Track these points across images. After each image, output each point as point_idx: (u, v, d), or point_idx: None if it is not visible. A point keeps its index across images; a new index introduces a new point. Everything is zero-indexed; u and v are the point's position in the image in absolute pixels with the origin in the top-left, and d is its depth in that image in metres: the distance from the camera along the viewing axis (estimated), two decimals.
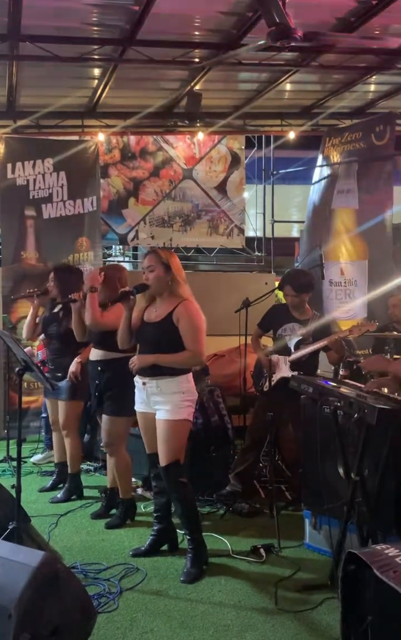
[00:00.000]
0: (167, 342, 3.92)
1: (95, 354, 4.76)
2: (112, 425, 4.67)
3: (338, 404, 3.64)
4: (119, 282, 4.70)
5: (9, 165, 7.41)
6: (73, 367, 5.19)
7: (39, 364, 5.15)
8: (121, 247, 9.69)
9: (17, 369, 3.85)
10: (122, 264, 9.92)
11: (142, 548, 4.22)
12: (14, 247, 7.46)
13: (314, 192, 7.88)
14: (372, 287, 6.92)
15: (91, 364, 4.84)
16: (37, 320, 5.52)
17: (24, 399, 6.65)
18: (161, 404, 3.94)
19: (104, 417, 4.71)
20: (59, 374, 5.25)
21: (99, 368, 4.70)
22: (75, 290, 5.07)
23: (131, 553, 4.20)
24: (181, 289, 3.98)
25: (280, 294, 5.71)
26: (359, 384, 4.08)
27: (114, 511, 4.86)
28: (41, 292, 5.52)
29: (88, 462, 6.12)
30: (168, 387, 3.92)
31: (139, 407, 4.12)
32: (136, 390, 4.10)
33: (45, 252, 7.52)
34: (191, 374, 4.03)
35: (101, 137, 7.80)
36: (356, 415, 3.44)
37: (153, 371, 3.93)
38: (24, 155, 7.45)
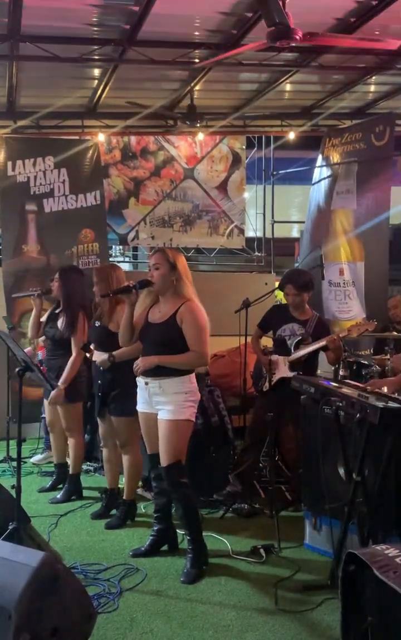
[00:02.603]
0: (171, 343, 3.92)
1: (98, 355, 4.77)
2: (121, 425, 4.67)
3: (340, 404, 3.64)
4: (113, 281, 4.72)
5: (10, 163, 7.37)
6: (54, 393, 5.12)
7: (38, 364, 5.16)
8: (121, 247, 9.68)
9: (17, 369, 3.85)
10: (122, 264, 9.96)
11: (142, 548, 4.22)
12: (15, 240, 7.39)
13: (315, 192, 7.88)
14: (369, 289, 6.93)
15: (94, 365, 4.84)
16: (43, 319, 5.49)
17: (28, 389, 6.58)
18: (163, 404, 3.94)
19: (112, 418, 4.70)
20: (54, 375, 5.23)
21: (102, 368, 4.71)
22: (80, 291, 5.19)
23: (131, 553, 4.20)
24: (185, 289, 3.98)
25: (280, 294, 5.72)
26: (360, 384, 4.08)
27: (114, 512, 4.85)
28: (44, 291, 5.50)
29: (88, 463, 6.11)
30: (171, 387, 3.91)
31: (141, 407, 4.12)
32: (139, 390, 4.10)
33: (48, 245, 7.45)
34: (193, 375, 4.03)
35: (101, 137, 7.80)
36: (358, 415, 3.43)
37: (156, 371, 3.93)
38: (24, 154, 7.42)
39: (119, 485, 4.98)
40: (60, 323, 5.24)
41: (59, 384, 5.11)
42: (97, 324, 4.81)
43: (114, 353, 4.57)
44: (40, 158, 7.43)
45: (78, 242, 7.55)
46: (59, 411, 5.28)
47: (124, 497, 4.80)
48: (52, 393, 5.12)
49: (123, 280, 4.78)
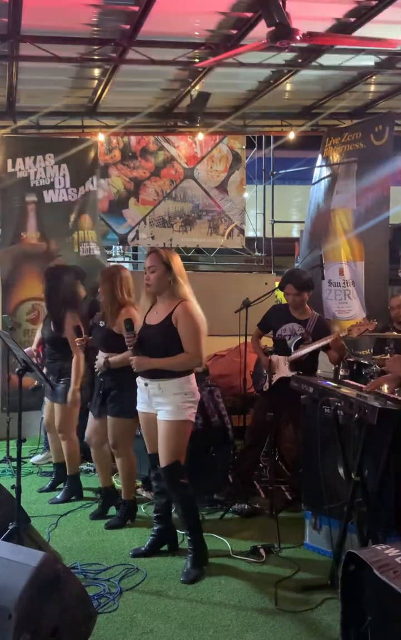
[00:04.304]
0: (168, 344, 3.92)
1: (100, 354, 4.78)
2: (116, 426, 4.66)
3: (339, 404, 3.64)
4: (118, 283, 4.69)
5: (9, 161, 7.34)
6: (70, 397, 5.13)
7: (40, 360, 5.17)
8: (121, 247, 9.68)
9: (17, 369, 3.85)
10: (122, 264, 9.94)
11: (142, 548, 4.22)
12: (14, 229, 7.33)
13: (315, 192, 7.88)
14: (369, 288, 6.93)
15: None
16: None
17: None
18: (163, 405, 3.94)
19: (108, 418, 4.70)
20: (62, 379, 5.21)
21: (98, 373, 4.71)
22: (62, 289, 5.21)
23: (131, 553, 4.20)
24: (181, 289, 3.98)
25: (280, 294, 5.72)
26: (359, 384, 4.08)
27: (112, 509, 4.84)
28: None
29: (88, 463, 6.10)
30: (170, 388, 3.91)
31: (141, 407, 4.12)
32: (138, 391, 4.11)
33: (47, 231, 7.39)
34: (193, 375, 4.03)
35: (101, 137, 7.79)
36: (356, 415, 3.44)
37: (155, 373, 3.93)
38: (24, 152, 7.40)
39: (116, 485, 4.98)
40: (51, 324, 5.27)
41: (72, 385, 5.10)
42: (102, 324, 4.80)
43: (109, 359, 4.56)
44: (41, 155, 7.41)
45: (78, 228, 7.51)
46: (55, 410, 5.28)
47: (122, 498, 4.80)
48: (69, 397, 5.10)
49: (130, 281, 4.73)
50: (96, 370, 4.70)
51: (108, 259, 8.88)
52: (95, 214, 7.78)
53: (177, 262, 4.01)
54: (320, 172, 7.78)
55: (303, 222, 8.73)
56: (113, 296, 4.64)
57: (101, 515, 4.87)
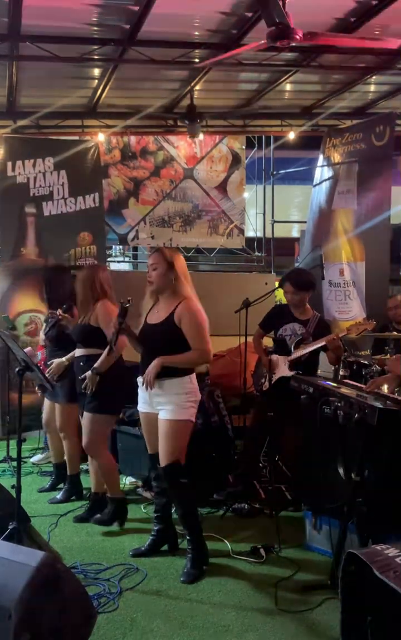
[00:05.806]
0: (171, 343, 3.91)
1: (78, 351, 4.78)
2: (91, 423, 4.57)
3: (339, 404, 3.64)
4: (96, 280, 4.68)
5: (9, 164, 7.39)
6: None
7: (39, 364, 5.13)
8: (121, 247, 9.69)
9: (17, 369, 3.85)
10: (122, 264, 9.96)
11: (142, 548, 4.21)
12: (14, 243, 7.42)
13: (316, 192, 7.88)
14: (369, 289, 6.93)
15: (75, 362, 4.84)
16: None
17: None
18: (164, 404, 3.93)
19: (85, 414, 4.63)
20: (61, 380, 5.21)
21: (81, 364, 4.71)
22: (64, 291, 5.17)
23: (131, 553, 4.20)
24: (183, 288, 3.99)
25: (280, 294, 5.72)
26: (359, 384, 4.08)
27: (98, 516, 4.82)
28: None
29: (88, 463, 6.10)
30: (171, 387, 3.91)
31: (141, 407, 4.12)
32: (139, 390, 4.10)
33: (46, 247, 7.49)
34: (194, 375, 4.03)
35: (101, 137, 7.80)
36: (356, 415, 3.43)
37: (158, 372, 3.93)
38: (24, 154, 7.43)
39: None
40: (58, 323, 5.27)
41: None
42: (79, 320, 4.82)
43: (95, 366, 4.53)
44: (40, 159, 7.45)
45: (77, 245, 7.59)
46: (57, 410, 5.28)
47: (109, 495, 4.76)
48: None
49: (109, 281, 4.75)
50: (86, 391, 4.57)
51: (108, 259, 8.89)
52: (101, 229, 7.83)
53: (180, 261, 4.03)
54: (322, 172, 7.78)
55: (304, 222, 8.75)
56: (90, 292, 4.65)
57: (85, 519, 4.80)
